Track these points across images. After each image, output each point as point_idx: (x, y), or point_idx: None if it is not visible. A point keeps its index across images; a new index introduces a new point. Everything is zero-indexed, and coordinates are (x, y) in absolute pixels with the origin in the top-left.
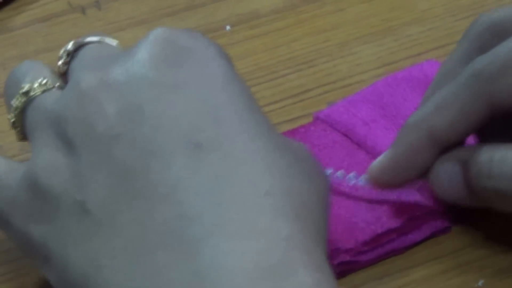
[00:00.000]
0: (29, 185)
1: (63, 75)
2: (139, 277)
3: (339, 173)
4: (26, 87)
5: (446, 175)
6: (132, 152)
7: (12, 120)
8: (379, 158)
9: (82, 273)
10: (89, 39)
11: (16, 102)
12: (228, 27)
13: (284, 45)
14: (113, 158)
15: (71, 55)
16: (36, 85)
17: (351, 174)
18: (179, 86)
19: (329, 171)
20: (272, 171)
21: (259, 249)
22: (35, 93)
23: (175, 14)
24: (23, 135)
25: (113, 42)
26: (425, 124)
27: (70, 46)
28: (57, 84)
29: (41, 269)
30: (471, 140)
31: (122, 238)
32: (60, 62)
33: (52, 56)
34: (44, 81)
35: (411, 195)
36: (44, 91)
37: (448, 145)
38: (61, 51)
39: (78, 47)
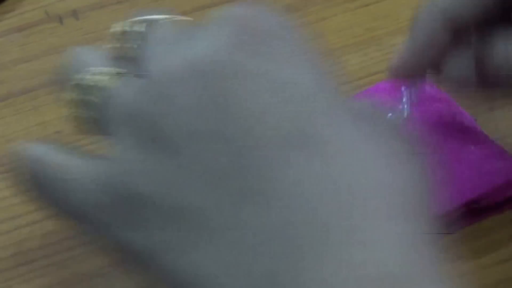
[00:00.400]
0: (118, 189)
1: (131, 60)
2: (254, 285)
3: None
4: (96, 77)
5: (459, 63)
6: (232, 149)
7: (89, 116)
8: (400, 51)
9: (189, 281)
10: (156, 16)
11: (92, 97)
12: None
13: None
14: (211, 157)
15: (143, 36)
16: (111, 76)
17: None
18: (268, 73)
19: None
20: (388, 166)
21: (386, 258)
22: (105, 85)
23: None
24: (95, 129)
25: (181, 18)
26: (437, 7)
27: (140, 27)
28: (125, 71)
29: (135, 271)
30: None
31: (230, 243)
32: (129, 45)
33: (30, 66)
34: (116, 71)
35: None
36: (115, 81)
37: (462, 27)
38: (128, 31)
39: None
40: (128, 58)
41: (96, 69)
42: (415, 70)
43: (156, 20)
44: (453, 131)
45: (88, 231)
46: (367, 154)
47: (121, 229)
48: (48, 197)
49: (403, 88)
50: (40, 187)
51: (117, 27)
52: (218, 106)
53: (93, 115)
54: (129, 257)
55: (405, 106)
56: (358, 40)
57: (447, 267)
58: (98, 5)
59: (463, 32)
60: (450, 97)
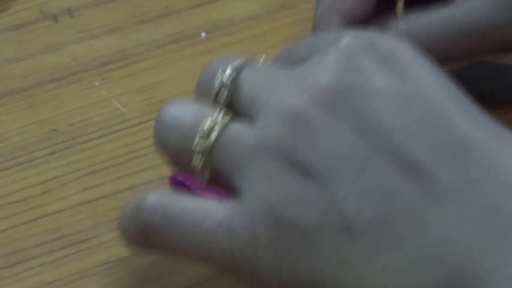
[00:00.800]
0: (271, 222)
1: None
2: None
3: None
4: (205, 127)
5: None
6: (388, 166)
7: (200, 165)
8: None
9: None
10: (242, 60)
11: (199, 146)
12: (203, 34)
13: (261, 52)
14: (367, 176)
15: (233, 82)
16: (214, 121)
17: None
18: (398, 89)
19: None
20: None
21: None
22: (219, 131)
23: (150, 21)
24: (212, 176)
25: (260, 57)
26: (333, 10)
27: (228, 73)
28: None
29: None
30: None
31: (405, 257)
32: (221, 93)
33: (24, 65)
34: (220, 115)
35: None
36: (224, 126)
37: (362, 18)
38: (216, 82)
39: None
40: (223, 103)
41: (218, 115)
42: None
43: (243, 64)
44: None
45: (236, 275)
46: None
47: (282, 263)
48: (180, 247)
49: None
50: (171, 237)
51: (223, 75)
52: (359, 129)
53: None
54: (285, 283)
55: None
56: None
57: None
58: (93, 3)
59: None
60: None
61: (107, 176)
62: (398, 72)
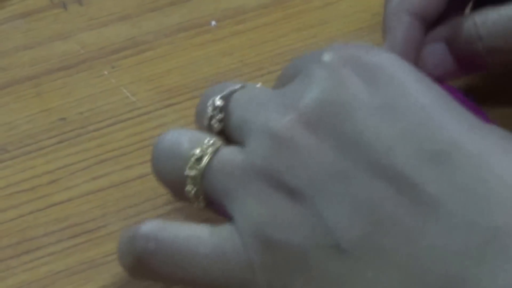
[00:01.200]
0: (261, 245)
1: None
2: None
3: None
4: (197, 152)
5: (433, 54)
6: (373, 181)
7: (194, 191)
8: None
9: None
10: (231, 88)
11: (192, 172)
12: (213, 23)
13: (271, 40)
14: (352, 192)
15: (222, 109)
16: (206, 147)
17: None
18: (388, 99)
19: None
20: None
21: None
22: (209, 156)
23: (159, 9)
24: (207, 201)
25: (256, 84)
26: (402, 7)
27: (217, 102)
28: (220, 141)
29: None
30: None
31: (396, 271)
32: (213, 122)
33: (33, 53)
34: (211, 141)
35: None
36: (215, 152)
37: (433, 18)
38: (208, 111)
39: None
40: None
41: (209, 140)
42: None
43: (232, 92)
44: None
45: None
46: None
47: (276, 285)
48: (174, 275)
49: None
50: (165, 265)
51: (213, 102)
52: (343, 145)
53: (200, 188)
54: None
55: None
56: (364, 26)
57: None
58: None
59: (431, 24)
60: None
61: (116, 165)
62: (380, 84)
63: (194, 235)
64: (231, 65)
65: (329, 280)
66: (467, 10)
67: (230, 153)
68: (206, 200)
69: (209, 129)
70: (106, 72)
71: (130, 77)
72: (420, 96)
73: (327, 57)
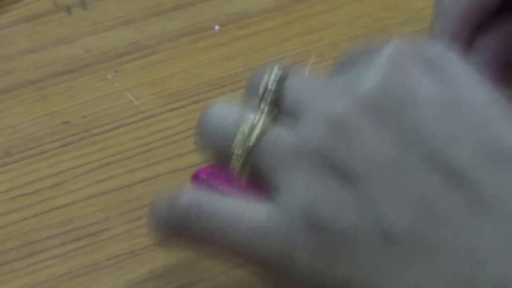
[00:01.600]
0: (307, 224)
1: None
2: None
3: None
4: (247, 127)
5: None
6: (429, 174)
7: (239, 165)
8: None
9: None
10: (286, 67)
11: (239, 146)
12: (217, 27)
13: (274, 45)
14: (407, 183)
15: (278, 87)
16: (255, 124)
17: None
18: (446, 96)
19: None
20: None
21: None
22: (259, 132)
23: (163, 14)
24: (250, 177)
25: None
26: (454, 7)
27: (273, 79)
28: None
29: None
30: None
31: (442, 272)
32: (263, 101)
33: (37, 57)
34: (261, 120)
35: None
36: (264, 130)
37: (486, 17)
38: (262, 85)
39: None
40: (268, 106)
41: (259, 118)
42: None
43: (285, 75)
44: None
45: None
46: None
47: (318, 264)
48: (214, 243)
49: None
50: (205, 234)
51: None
52: (403, 134)
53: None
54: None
55: None
56: (367, 31)
57: None
58: None
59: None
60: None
61: (119, 168)
62: (442, 80)
63: (240, 207)
64: (234, 69)
65: (373, 268)
66: None
67: (281, 130)
68: (249, 174)
69: (259, 103)
70: (109, 76)
71: (133, 81)
72: (482, 95)
73: (389, 49)
